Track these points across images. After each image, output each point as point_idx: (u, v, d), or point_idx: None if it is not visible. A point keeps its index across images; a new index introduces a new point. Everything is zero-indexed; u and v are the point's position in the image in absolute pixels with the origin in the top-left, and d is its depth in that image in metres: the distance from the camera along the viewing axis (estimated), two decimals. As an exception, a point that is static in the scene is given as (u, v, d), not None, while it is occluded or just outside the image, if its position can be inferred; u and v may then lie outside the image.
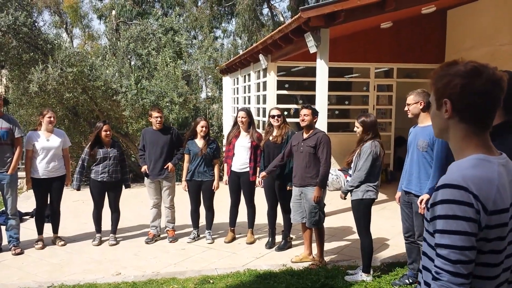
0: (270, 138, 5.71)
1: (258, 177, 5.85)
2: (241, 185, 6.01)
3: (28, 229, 6.48)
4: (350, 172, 4.77)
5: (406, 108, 4.40)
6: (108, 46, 13.01)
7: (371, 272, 4.78)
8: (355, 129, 4.70)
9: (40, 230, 6.04)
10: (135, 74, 11.04)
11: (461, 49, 9.62)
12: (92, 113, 11.07)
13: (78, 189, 6.09)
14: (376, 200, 4.75)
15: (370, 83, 10.63)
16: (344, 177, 9.74)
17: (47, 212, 6.16)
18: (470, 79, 1.47)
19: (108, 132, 6.03)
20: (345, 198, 4.81)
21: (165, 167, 6.06)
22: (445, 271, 1.41)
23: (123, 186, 6.28)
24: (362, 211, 4.65)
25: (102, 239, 6.19)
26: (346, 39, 9.68)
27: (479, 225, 1.41)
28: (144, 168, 6.15)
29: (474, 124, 1.51)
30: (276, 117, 5.65)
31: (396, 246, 5.76)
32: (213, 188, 6.04)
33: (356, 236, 5.60)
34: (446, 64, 1.56)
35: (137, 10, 21.97)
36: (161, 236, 6.37)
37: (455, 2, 9.23)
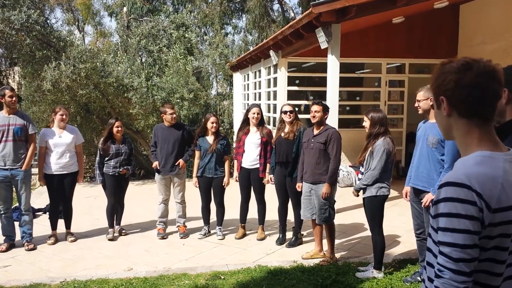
0: (282, 134, 5.69)
1: (269, 173, 5.85)
2: (251, 182, 6.02)
3: (41, 225, 6.56)
4: (362, 169, 4.74)
5: (416, 104, 4.37)
6: (119, 43, 13.07)
7: (383, 269, 4.75)
8: (363, 123, 4.69)
9: (53, 226, 6.11)
10: (146, 71, 11.08)
11: (474, 44, 9.50)
12: (104, 110, 11.15)
13: (103, 183, 6.19)
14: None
15: (381, 79, 10.55)
16: (355, 173, 9.71)
17: (60, 208, 6.22)
18: (461, 74, 1.49)
19: (119, 128, 6.14)
20: (357, 195, 4.79)
21: (176, 164, 6.09)
22: (447, 268, 1.42)
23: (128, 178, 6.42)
24: (375, 208, 4.62)
25: (116, 235, 6.27)
26: (358, 34, 9.60)
27: (482, 223, 1.40)
28: (155, 164, 6.18)
29: (473, 117, 1.51)
30: (288, 113, 5.63)
31: (408, 242, 5.72)
32: (223, 184, 6.05)
33: (367, 232, 5.58)
34: (441, 64, 1.59)
35: (148, 7, 22.03)
36: (172, 231, 6.40)
37: (468, -4, 9.13)
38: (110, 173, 6.11)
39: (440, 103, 1.55)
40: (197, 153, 6.14)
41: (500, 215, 1.42)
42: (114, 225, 6.30)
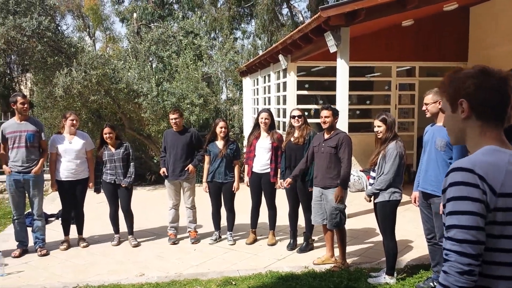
0: (292, 139, 5.68)
1: (279, 178, 5.84)
2: (262, 186, 6.01)
3: (53, 231, 6.61)
4: (373, 174, 4.70)
5: (424, 108, 4.34)
6: (129, 49, 13.15)
7: (395, 274, 4.72)
8: (376, 128, 4.62)
9: (66, 232, 6.15)
10: (156, 77, 11.14)
11: (485, 46, 9.43)
12: (115, 116, 11.22)
13: (98, 192, 6.20)
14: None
15: (391, 82, 10.51)
16: (366, 178, 9.65)
17: (72, 213, 6.26)
18: (483, 78, 1.57)
19: (108, 135, 6.05)
20: (370, 201, 4.77)
21: (185, 169, 6.10)
22: (452, 251, 1.46)
23: (130, 187, 6.22)
24: (387, 213, 4.59)
25: (122, 240, 6.28)
26: (367, 37, 9.58)
27: (487, 207, 1.45)
28: (163, 170, 6.19)
29: (491, 120, 1.58)
30: (297, 118, 5.62)
31: (420, 248, 5.67)
32: (233, 189, 6.05)
33: (378, 238, 5.55)
34: (452, 72, 1.67)
35: (159, 12, 22.16)
36: (183, 237, 6.41)
37: (478, -1, 9.07)
38: (107, 180, 6.10)
39: (457, 106, 1.61)
40: (206, 158, 6.15)
41: (505, 200, 1.47)
42: (119, 231, 6.31)
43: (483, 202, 1.45)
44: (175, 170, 6.13)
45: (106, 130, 6.08)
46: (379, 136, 4.60)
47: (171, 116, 6.19)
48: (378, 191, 4.56)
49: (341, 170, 5.00)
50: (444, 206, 1.55)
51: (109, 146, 6.12)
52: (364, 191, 9.53)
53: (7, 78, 16.54)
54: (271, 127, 6.02)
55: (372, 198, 4.72)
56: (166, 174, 6.17)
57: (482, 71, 1.58)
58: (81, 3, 28.16)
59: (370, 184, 4.77)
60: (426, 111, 4.32)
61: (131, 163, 6.21)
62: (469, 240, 1.43)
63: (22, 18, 9.39)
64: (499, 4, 8.96)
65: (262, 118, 5.98)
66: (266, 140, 5.97)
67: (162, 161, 6.32)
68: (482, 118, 1.58)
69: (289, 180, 5.42)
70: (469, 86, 1.57)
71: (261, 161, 5.97)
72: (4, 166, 5.74)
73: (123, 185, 6.08)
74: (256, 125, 6.14)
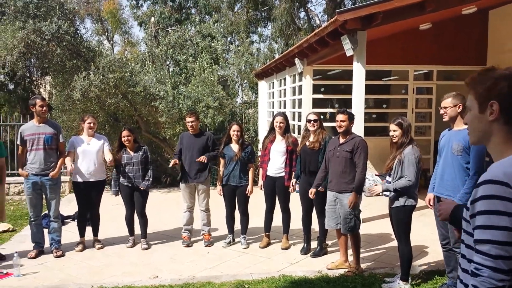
0: (307, 143, 5.65)
1: (293, 183, 5.83)
2: (276, 189, 6.00)
3: (69, 232, 6.68)
4: (389, 178, 4.65)
5: (442, 112, 4.28)
6: (147, 53, 13.28)
7: (409, 280, 4.66)
8: (391, 133, 4.57)
9: (81, 233, 6.22)
10: (173, 80, 11.22)
11: (504, 50, 9.28)
12: (132, 119, 11.33)
13: (116, 195, 6.23)
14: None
15: (409, 86, 10.41)
16: (381, 182, 9.57)
17: (88, 215, 6.32)
18: None
19: (127, 138, 6.08)
20: (378, 195, 4.65)
21: (200, 172, 6.11)
22: (485, 266, 1.42)
23: (147, 191, 6.25)
24: (403, 218, 4.54)
25: (137, 242, 6.32)
26: (384, 41, 9.51)
27: None
28: (174, 160, 6.16)
29: None
30: (312, 122, 5.60)
31: (435, 253, 5.59)
32: (247, 192, 6.04)
33: (393, 243, 5.49)
34: (485, 70, 1.61)
35: (176, 16, 22.34)
36: (197, 239, 6.42)
37: (497, 2, 8.91)
38: (125, 184, 6.13)
39: (486, 107, 1.55)
40: (221, 161, 6.16)
41: None
42: (134, 233, 6.35)
43: None
44: (190, 172, 6.16)
45: (125, 133, 6.12)
46: (394, 141, 4.56)
47: (188, 119, 6.22)
48: (393, 191, 4.49)
49: (356, 175, 4.97)
50: (470, 217, 1.51)
51: (128, 149, 6.15)
52: (379, 195, 9.45)
53: (26, 81, 16.85)
54: (286, 130, 6.01)
55: (383, 202, 4.66)
56: (177, 163, 6.17)
57: None
58: (100, 7, 28.54)
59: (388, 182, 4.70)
60: (444, 114, 4.26)
61: (149, 167, 6.24)
62: (504, 256, 1.40)
63: (42, 22, 9.56)
64: (518, 7, 8.82)
65: (277, 122, 5.98)
66: (281, 143, 5.96)
67: (175, 156, 6.32)
68: (510, 123, 1.53)
69: (313, 190, 5.37)
70: (503, 88, 1.51)
71: (276, 165, 5.96)
72: (20, 170, 5.83)
73: (141, 188, 6.10)
74: (272, 129, 6.14)
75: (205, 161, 6.08)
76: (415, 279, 4.79)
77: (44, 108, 5.80)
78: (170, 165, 6.32)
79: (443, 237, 4.40)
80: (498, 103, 1.52)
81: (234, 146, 6.08)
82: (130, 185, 6.11)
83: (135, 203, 6.21)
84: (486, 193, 1.44)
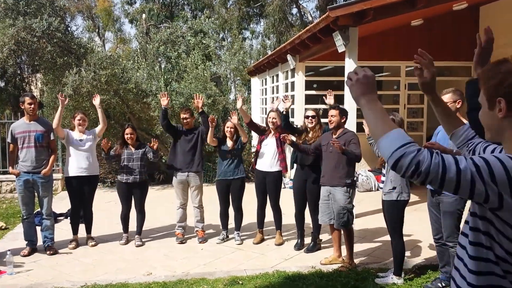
0: (306, 139, 5.65)
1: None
2: (266, 186, 6.00)
3: (62, 230, 6.65)
4: (384, 172, 4.68)
5: None
6: (138, 49, 13.23)
7: (403, 275, 4.69)
8: None
9: (74, 231, 6.19)
10: (165, 77, 11.18)
11: (495, 46, 9.28)
12: (124, 116, 11.27)
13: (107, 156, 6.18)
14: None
15: (400, 82, 10.47)
16: (374, 178, 9.62)
17: (81, 213, 6.30)
18: None
19: (130, 135, 6.14)
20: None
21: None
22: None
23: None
24: (395, 213, 4.56)
25: (130, 239, 6.30)
26: (376, 37, 9.54)
27: None
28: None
29: None
30: (310, 118, 5.61)
31: (428, 248, 5.64)
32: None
33: (386, 238, 5.51)
34: (496, 63, 1.53)
35: (165, 13, 22.25)
36: (191, 236, 6.42)
37: (487, -2, 8.99)
38: (123, 181, 6.13)
39: (494, 103, 1.49)
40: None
41: None
42: (129, 231, 6.34)
43: None
44: (183, 162, 6.17)
45: (128, 130, 6.17)
46: None
47: (182, 115, 6.23)
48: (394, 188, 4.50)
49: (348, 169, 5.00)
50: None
51: (130, 146, 6.19)
52: (372, 191, 9.50)
53: (17, 79, 16.71)
54: (279, 127, 6.02)
55: (378, 197, 4.69)
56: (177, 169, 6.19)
57: None
58: (91, 4, 28.35)
59: (382, 181, 4.73)
60: None
61: (150, 164, 6.36)
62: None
63: (32, 19, 9.48)
64: (509, 4, 8.86)
65: (270, 117, 6.01)
66: (273, 139, 5.98)
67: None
68: None
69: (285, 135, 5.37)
70: (510, 85, 1.45)
71: (267, 161, 5.97)
72: (11, 169, 5.80)
73: (150, 158, 6.14)
74: (266, 125, 6.16)
75: (199, 105, 6.11)
76: (408, 274, 4.82)
77: (33, 106, 5.74)
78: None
79: (436, 231, 4.43)
80: (505, 100, 1.46)
81: (229, 142, 6.10)
82: (128, 181, 6.11)
83: (135, 199, 6.23)
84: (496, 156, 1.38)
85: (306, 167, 5.62)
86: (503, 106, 1.47)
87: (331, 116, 5.07)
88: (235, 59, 13.38)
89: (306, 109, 5.87)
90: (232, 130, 6.07)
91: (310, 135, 5.65)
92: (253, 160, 6.30)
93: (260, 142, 6.12)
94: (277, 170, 5.99)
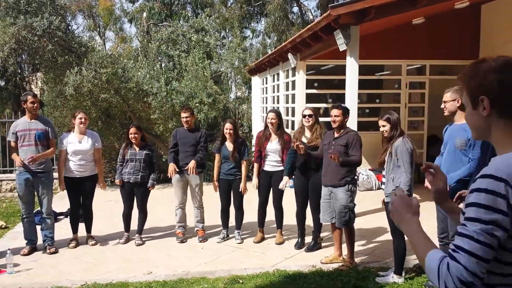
0: (304, 140, 5.60)
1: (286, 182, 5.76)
2: (271, 185, 5.98)
3: (62, 229, 6.64)
4: (384, 172, 4.66)
5: (442, 106, 4.28)
6: (139, 48, 13.21)
7: (403, 274, 4.67)
8: (381, 128, 4.58)
9: (74, 230, 6.18)
10: (165, 76, 11.16)
11: (496, 44, 9.31)
12: (125, 115, 11.26)
13: (120, 181, 6.20)
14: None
15: (402, 81, 10.43)
16: (375, 177, 9.59)
17: (80, 212, 6.29)
18: (506, 74, 1.45)
19: (134, 135, 6.12)
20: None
21: (187, 167, 6.07)
22: (461, 249, 1.40)
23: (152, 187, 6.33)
24: None
25: (131, 238, 6.30)
26: (377, 36, 9.50)
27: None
28: (173, 166, 6.09)
29: None
30: (307, 117, 5.57)
31: (430, 247, 5.61)
32: (240, 190, 6.03)
33: (387, 237, 5.51)
34: (474, 63, 1.54)
35: (166, 12, 22.23)
36: (191, 235, 6.41)
37: (489, -4, 8.96)
38: (125, 180, 6.13)
39: (478, 103, 1.49)
40: (217, 157, 6.15)
41: None
42: (130, 230, 6.34)
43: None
44: (183, 161, 6.14)
45: (132, 130, 6.16)
46: (385, 135, 4.58)
47: (183, 114, 6.20)
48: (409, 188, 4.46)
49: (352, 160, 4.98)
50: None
51: (134, 146, 6.18)
52: (373, 190, 9.48)
53: (18, 77, 16.71)
54: (279, 127, 6.00)
55: (379, 196, 4.67)
56: (177, 170, 6.14)
57: (506, 64, 1.46)
58: (92, 3, 28.32)
59: (383, 183, 4.70)
60: (444, 109, 4.26)
61: (154, 167, 6.36)
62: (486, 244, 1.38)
63: (33, 17, 9.48)
64: (510, 1, 8.84)
65: (269, 118, 5.98)
66: (277, 144, 5.94)
67: (170, 156, 6.26)
68: (505, 116, 1.46)
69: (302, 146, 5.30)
70: (491, 82, 1.44)
71: (272, 161, 5.96)
72: (14, 155, 5.71)
73: (150, 188, 6.22)
74: (267, 126, 6.12)
75: (194, 166, 6.02)
76: (408, 273, 4.80)
77: (35, 105, 5.75)
78: (170, 169, 6.15)
79: (442, 230, 4.40)
80: (488, 98, 1.46)
81: (229, 145, 6.06)
82: (130, 181, 6.11)
83: (137, 199, 6.23)
84: (481, 187, 1.38)
85: (308, 168, 5.59)
86: (486, 104, 1.47)
87: (335, 116, 5.05)
88: (235, 57, 13.33)
89: (304, 108, 5.82)
90: (231, 131, 6.03)
91: (307, 134, 5.62)
92: (253, 159, 6.26)
93: (264, 148, 6.03)
94: (283, 169, 5.96)
